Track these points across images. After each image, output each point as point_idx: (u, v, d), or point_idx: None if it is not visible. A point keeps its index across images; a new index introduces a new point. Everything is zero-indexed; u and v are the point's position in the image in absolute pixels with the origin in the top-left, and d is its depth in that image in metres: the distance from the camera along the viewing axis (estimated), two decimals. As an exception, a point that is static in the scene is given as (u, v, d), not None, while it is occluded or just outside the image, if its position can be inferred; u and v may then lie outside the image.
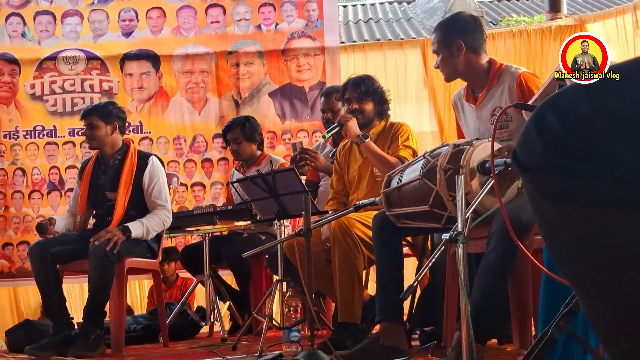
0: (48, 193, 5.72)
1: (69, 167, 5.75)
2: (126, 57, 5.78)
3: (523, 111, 2.70)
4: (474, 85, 3.06)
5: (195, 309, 4.80)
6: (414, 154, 3.51)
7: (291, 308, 3.53)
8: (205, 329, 4.68)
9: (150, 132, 5.80)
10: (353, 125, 3.53)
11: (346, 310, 3.25)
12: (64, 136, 5.76)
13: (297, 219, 4.43)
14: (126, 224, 3.81)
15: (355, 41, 7.52)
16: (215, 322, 4.42)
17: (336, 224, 3.27)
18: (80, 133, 5.72)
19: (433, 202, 2.55)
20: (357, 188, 3.65)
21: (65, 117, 5.75)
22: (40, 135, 5.74)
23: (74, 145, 5.76)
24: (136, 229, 3.84)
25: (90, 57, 5.76)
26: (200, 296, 5.07)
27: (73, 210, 4.16)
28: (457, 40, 2.97)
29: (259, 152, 4.73)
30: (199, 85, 5.82)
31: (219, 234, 4.73)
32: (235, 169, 4.89)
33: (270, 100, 5.81)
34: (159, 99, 5.82)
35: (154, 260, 4.08)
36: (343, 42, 6.86)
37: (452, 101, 3.23)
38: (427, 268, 2.17)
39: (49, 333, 3.84)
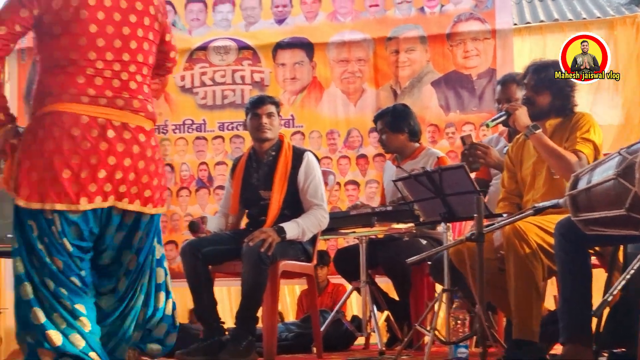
0: (196, 190, 5.98)
1: (218, 164, 5.98)
2: (279, 46, 5.95)
3: None
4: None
5: (350, 318, 4.85)
6: (596, 149, 3.35)
7: (458, 321, 3.48)
8: (360, 340, 4.72)
9: (302, 126, 5.92)
10: (522, 114, 3.43)
11: (522, 326, 3.16)
12: (214, 130, 6.00)
13: (461, 222, 4.39)
14: (281, 225, 3.91)
15: (529, 22, 7.31)
16: (372, 333, 4.44)
17: (511, 228, 3.19)
18: (230, 127, 5.96)
19: (630, 205, 2.43)
20: (532, 187, 3.54)
21: (215, 111, 5.99)
22: (190, 130, 6.01)
23: (224, 140, 5.99)
24: (291, 229, 3.93)
25: (242, 47, 5.97)
26: (354, 304, 5.12)
27: (225, 211, 4.31)
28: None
29: (415, 145, 4.69)
30: (355, 75, 5.89)
31: (377, 235, 4.74)
32: (389, 161, 4.89)
33: (433, 90, 5.77)
34: (312, 91, 5.94)
35: (309, 264, 4.16)
36: (516, 24, 6.69)
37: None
38: (623, 281, 2.08)
39: (199, 337, 4.01)
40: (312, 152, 4.27)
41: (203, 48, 6.00)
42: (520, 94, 3.86)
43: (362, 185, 5.87)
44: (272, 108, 4.18)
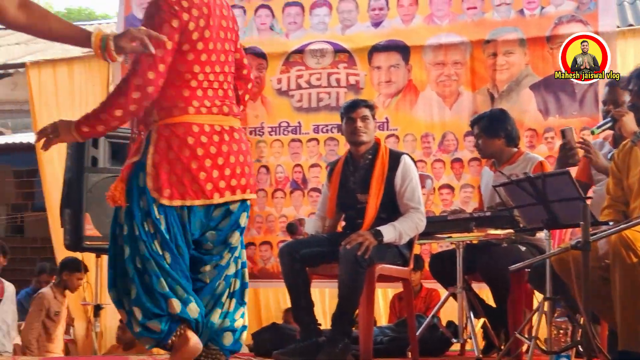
0: (291, 192, 6.05)
1: (312, 166, 6.04)
2: (375, 49, 5.96)
3: None
4: None
5: (445, 323, 4.82)
6: None
7: (560, 330, 3.42)
8: (455, 346, 4.69)
9: (397, 129, 5.92)
10: (629, 120, 3.37)
11: (629, 337, 3.08)
12: (308, 133, 6.06)
13: (560, 230, 4.30)
14: (378, 228, 3.92)
15: (631, 25, 7.10)
16: (469, 339, 4.41)
17: (617, 236, 3.12)
18: (324, 130, 6.01)
19: None
20: (639, 196, 3.45)
21: (310, 113, 6.05)
22: (285, 132, 6.09)
23: (318, 142, 6.04)
24: (388, 233, 3.94)
25: (338, 50, 6.01)
26: (449, 310, 5.08)
27: (322, 214, 4.35)
28: None
29: (512, 150, 4.62)
30: (451, 78, 5.85)
31: (472, 241, 4.70)
32: (486, 167, 4.84)
33: (532, 93, 5.68)
34: (407, 94, 5.93)
35: (406, 268, 4.16)
36: (618, 27, 6.52)
37: None
38: None
39: (296, 339, 4.06)
40: (408, 155, 4.27)
41: (300, 51, 6.06)
42: (627, 96, 3.77)
43: (456, 189, 5.82)
44: (366, 111, 4.20)
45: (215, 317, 2.93)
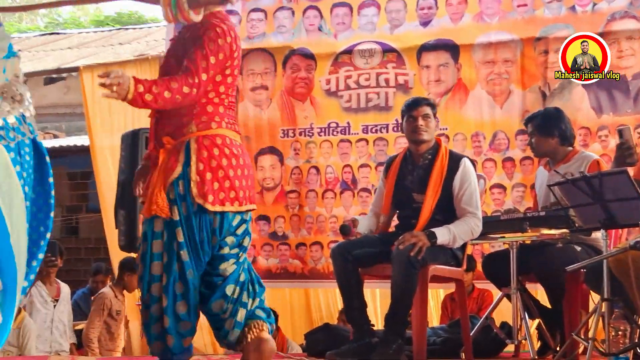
0: (341, 192, 6.04)
1: (361, 166, 6.03)
2: (423, 48, 5.91)
3: None
4: None
5: (499, 324, 4.78)
6: None
7: (619, 332, 3.37)
8: (509, 347, 4.64)
9: (446, 129, 5.87)
10: None
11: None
12: (358, 133, 6.04)
13: (616, 230, 4.22)
14: (432, 230, 3.91)
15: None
16: (523, 341, 4.36)
17: (677, 237, 3.07)
18: (373, 130, 6.00)
19: None
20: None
21: (359, 114, 6.04)
22: (334, 133, 6.09)
23: (367, 142, 6.02)
24: (442, 235, 3.92)
25: (386, 50, 5.98)
26: (503, 311, 5.03)
27: (376, 210, 4.34)
28: None
29: (567, 148, 4.56)
30: (501, 77, 5.79)
31: (524, 241, 4.65)
32: (541, 167, 4.79)
33: (584, 91, 5.58)
34: (457, 93, 5.88)
35: (459, 269, 4.13)
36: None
37: None
38: None
39: (349, 339, 4.07)
40: (469, 158, 4.24)
41: (348, 52, 6.05)
42: None
43: (508, 188, 5.76)
44: (427, 110, 4.17)
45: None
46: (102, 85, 2.93)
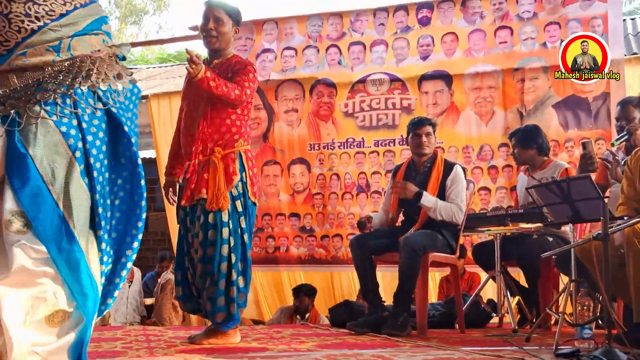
0: (357, 195, 6.05)
1: (373, 173, 6.02)
2: (423, 78, 5.90)
3: None
4: None
5: (486, 301, 4.76)
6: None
7: (584, 307, 3.34)
8: (494, 320, 4.62)
9: (442, 142, 5.85)
10: None
11: (642, 312, 3.00)
12: (370, 147, 6.04)
13: (581, 224, 4.19)
14: (422, 190, 4.02)
15: (636, 53, 6.89)
16: (506, 314, 4.34)
17: (631, 229, 3.05)
18: (383, 144, 6.00)
19: None
20: (648, 195, 3.35)
21: (371, 131, 6.04)
22: (352, 146, 6.09)
23: (378, 154, 6.02)
24: (428, 200, 4.00)
25: (393, 79, 5.98)
26: (489, 290, 5.01)
27: (386, 208, 4.35)
28: None
29: (543, 158, 4.53)
30: (486, 100, 5.76)
31: (506, 233, 4.63)
32: (522, 172, 4.77)
33: (554, 111, 5.55)
34: (450, 113, 5.86)
35: (453, 255, 4.12)
36: (625, 55, 6.33)
37: None
38: None
39: (365, 313, 4.07)
40: (460, 165, 4.23)
41: (362, 81, 6.05)
42: (637, 113, 3.66)
43: (492, 191, 5.73)
44: (429, 129, 4.20)
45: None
46: (189, 57, 3.07)
